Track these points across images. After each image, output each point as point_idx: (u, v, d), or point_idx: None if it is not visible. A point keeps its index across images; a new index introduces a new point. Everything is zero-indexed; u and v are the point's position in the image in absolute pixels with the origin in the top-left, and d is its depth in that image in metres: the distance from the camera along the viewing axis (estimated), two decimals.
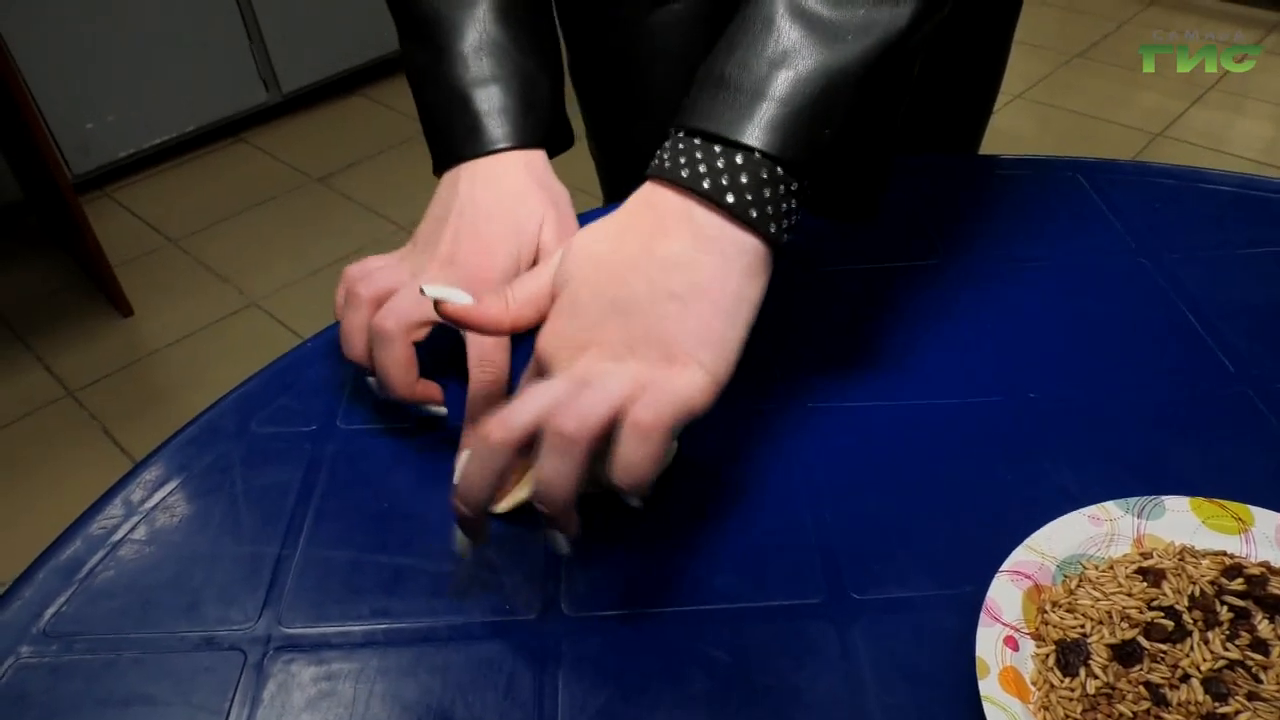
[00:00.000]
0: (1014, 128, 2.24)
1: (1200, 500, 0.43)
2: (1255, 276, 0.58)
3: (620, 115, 0.74)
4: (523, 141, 0.53)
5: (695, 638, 0.40)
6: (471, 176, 0.52)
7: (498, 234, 0.51)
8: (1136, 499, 0.43)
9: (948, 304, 0.57)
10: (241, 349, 1.74)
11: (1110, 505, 0.43)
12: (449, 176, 0.53)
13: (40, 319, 1.83)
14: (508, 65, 0.53)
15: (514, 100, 0.53)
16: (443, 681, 0.39)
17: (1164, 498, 0.43)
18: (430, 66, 0.54)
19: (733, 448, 0.49)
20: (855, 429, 0.50)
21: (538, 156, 0.54)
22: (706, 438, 0.49)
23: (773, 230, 0.40)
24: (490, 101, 0.53)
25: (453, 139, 0.53)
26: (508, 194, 0.52)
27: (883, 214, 0.65)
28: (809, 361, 0.54)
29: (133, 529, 0.46)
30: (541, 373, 0.41)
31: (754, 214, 0.40)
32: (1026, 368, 0.53)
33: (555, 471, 0.37)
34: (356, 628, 0.42)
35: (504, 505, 0.45)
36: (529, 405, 0.38)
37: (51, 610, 0.43)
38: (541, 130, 0.54)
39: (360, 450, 0.50)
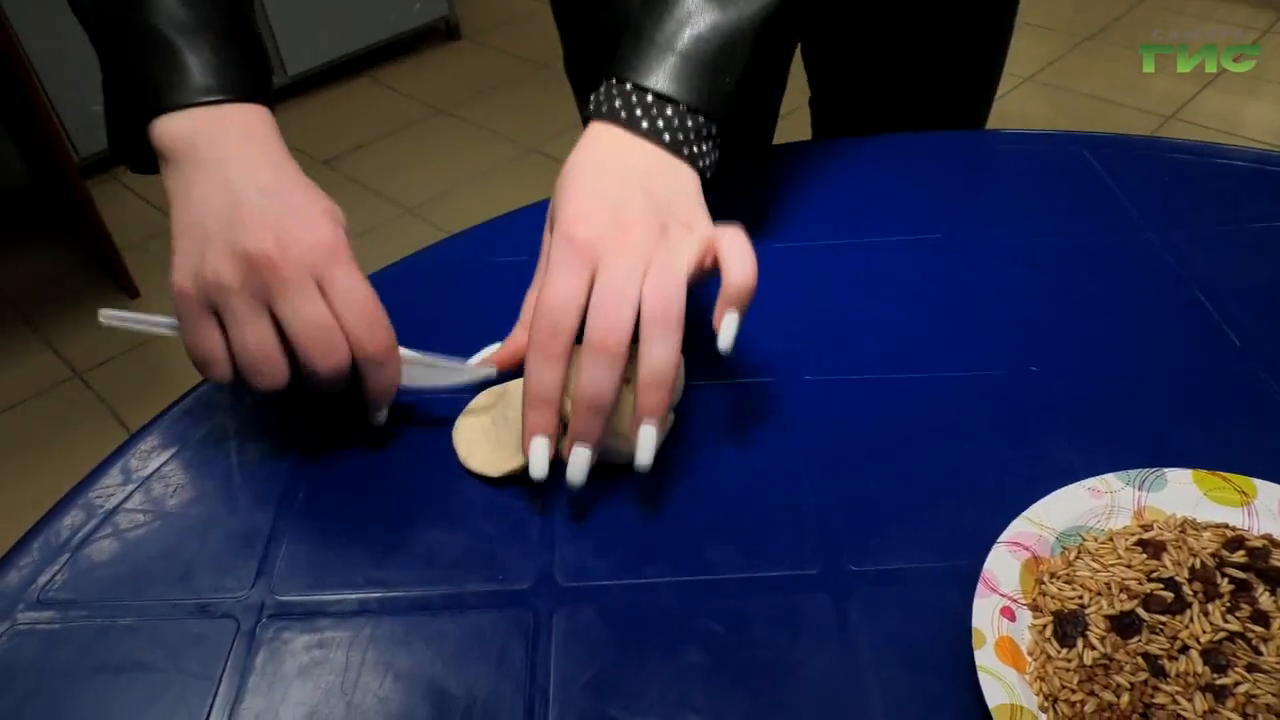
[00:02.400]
0: (1024, 111, 2.22)
1: (1203, 472, 0.42)
2: (1265, 253, 0.57)
3: None
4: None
5: (690, 609, 0.40)
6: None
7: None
8: (1137, 471, 0.42)
9: (950, 278, 0.57)
10: None
11: (1110, 477, 0.42)
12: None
13: (47, 302, 1.83)
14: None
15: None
16: (435, 651, 0.39)
17: (1165, 470, 0.42)
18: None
19: (729, 419, 0.49)
20: (854, 402, 0.49)
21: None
22: (703, 409, 0.49)
23: (700, 166, 0.47)
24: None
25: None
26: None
27: (889, 188, 0.64)
28: (807, 334, 0.53)
29: (128, 498, 0.46)
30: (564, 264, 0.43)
31: (681, 148, 0.46)
32: (1030, 342, 0.52)
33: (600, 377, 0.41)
34: (350, 596, 0.41)
35: (498, 471, 0.45)
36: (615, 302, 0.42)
37: (46, 578, 0.43)
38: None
39: (355, 421, 0.49)
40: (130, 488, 0.47)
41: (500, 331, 0.50)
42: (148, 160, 0.47)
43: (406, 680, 0.38)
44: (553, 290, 0.42)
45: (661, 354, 0.42)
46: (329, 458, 0.48)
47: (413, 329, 0.47)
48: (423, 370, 0.48)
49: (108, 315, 0.45)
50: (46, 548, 0.44)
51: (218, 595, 0.42)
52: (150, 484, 0.47)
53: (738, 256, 0.43)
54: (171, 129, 0.44)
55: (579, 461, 0.43)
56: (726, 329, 0.43)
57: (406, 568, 0.42)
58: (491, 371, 0.49)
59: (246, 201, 0.43)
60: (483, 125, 2.33)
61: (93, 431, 1.55)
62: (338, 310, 0.43)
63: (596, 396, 0.41)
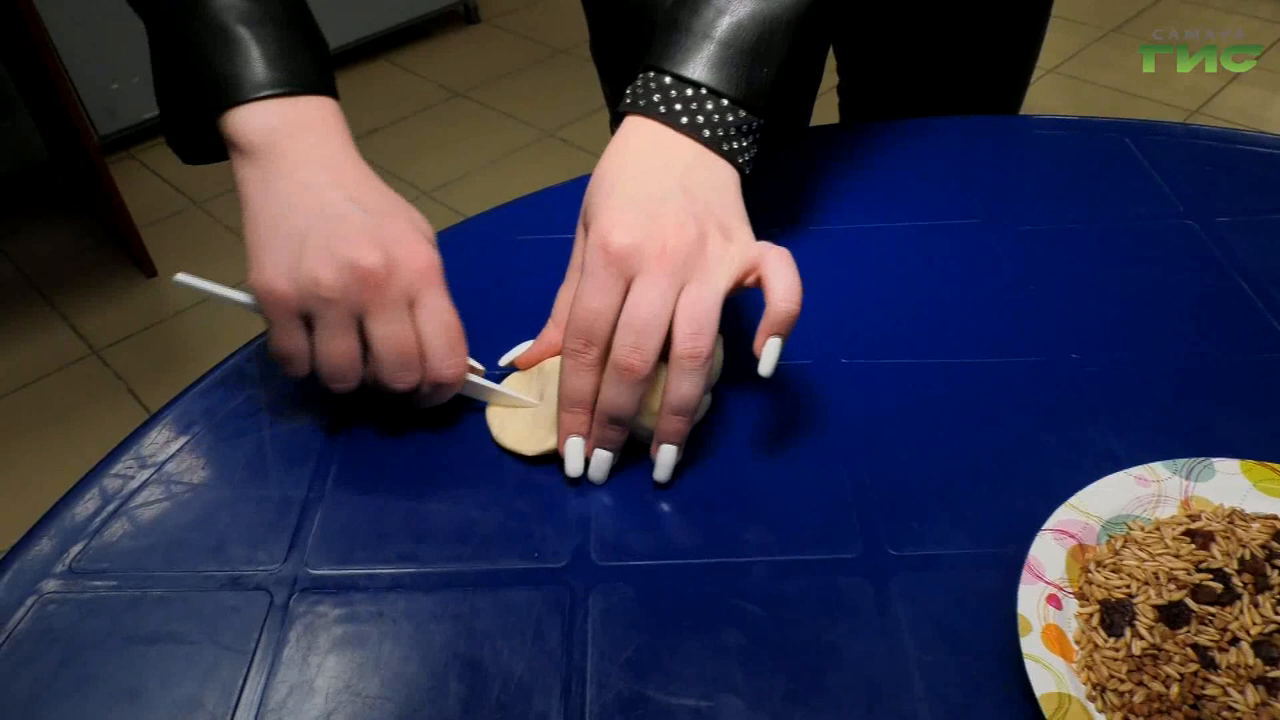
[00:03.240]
0: (1047, 102, 2.19)
1: (1252, 463, 0.42)
2: None
3: None
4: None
5: (727, 590, 0.40)
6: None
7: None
8: (1185, 460, 0.42)
9: (989, 263, 0.56)
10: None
11: (1157, 466, 0.42)
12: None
13: (65, 279, 1.84)
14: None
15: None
16: (470, 628, 0.39)
17: (1214, 460, 0.42)
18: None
19: (765, 400, 0.48)
20: (891, 386, 0.49)
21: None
22: (740, 390, 0.48)
23: (739, 162, 0.46)
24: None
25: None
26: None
27: (926, 172, 0.63)
28: (843, 318, 0.53)
29: (160, 469, 0.46)
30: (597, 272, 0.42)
31: (720, 144, 0.45)
32: (1069, 329, 0.51)
33: (622, 393, 0.42)
34: (383, 571, 0.41)
35: (532, 450, 0.45)
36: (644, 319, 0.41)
37: (77, 547, 0.43)
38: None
39: (387, 397, 0.49)
40: (162, 459, 0.46)
41: (524, 308, 0.50)
42: (205, 152, 0.47)
43: (442, 657, 0.38)
44: (586, 302, 0.42)
45: (688, 389, 0.41)
46: (361, 431, 0.48)
47: None
48: (474, 385, 0.47)
49: (183, 278, 0.45)
50: (77, 517, 0.44)
51: (250, 568, 0.41)
52: (182, 455, 0.47)
53: (783, 281, 0.42)
54: (245, 122, 0.44)
55: (600, 464, 0.44)
56: (768, 355, 0.42)
57: (440, 543, 0.42)
58: (534, 401, 0.48)
59: (343, 210, 0.43)
60: (500, 109, 2.32)
61: (109, 409, 1.55)
62: (423, 333, 0.44)
63: (617, 410, 0.42)
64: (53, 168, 2.10)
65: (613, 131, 0.79)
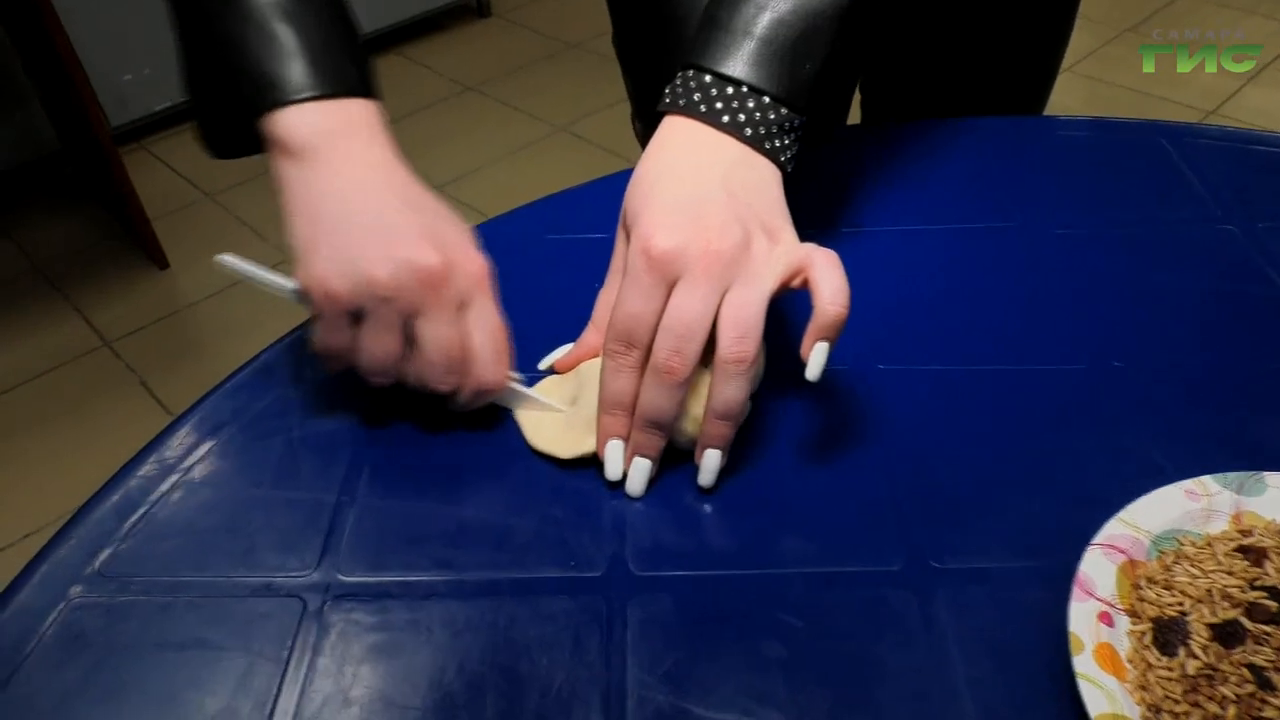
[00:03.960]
0: (1062, 103, 2.17)
1: None
2: None
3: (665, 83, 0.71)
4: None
5: (767, 602, 0.39)
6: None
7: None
8: (1235, 474, 0.41)
9: (1025, 268, 0.55)
10: (276, 304, 1.74)
11: (1207, 480, 0.41)
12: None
13: (77, 270, 1.83)
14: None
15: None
16: (506, 638, 0.38)
17: (1265, 474, 0.41)
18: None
19: (804, 406, 0.47)
20: (928, 393, 0.48)
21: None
22: (778, 395, 0.47)
23: (781, 160, 0.45)
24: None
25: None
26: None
27: (959, 174, 0.63)
28: (879, 322, 0.52)
29: (188, 472, 0.45)
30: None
31: (763, 142, 0.45)
32: (1111, 336, 0.50)
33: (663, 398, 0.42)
34: (418, 579, 0.40)
35: (568, 453, 0.44)
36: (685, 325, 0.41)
37: (106, 551, 0.42)
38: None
39: (422, 397, 0.48)
40: (190, 461, 0.46)
41: (555, 306, 0.50)
42: (240, 146, 0.47)
43: (479, 667, 0.37)
44: (627, 305, 0.41)
45: (733, 393, 0.41)
46: (393, 433, 0.47)
47: None
48: (511, 393, 0.47)
49: (226, 259, 0.44)
50: (105, 521, 0.43)
51: (282, 574, 0.41)
52: (210, 457, 0.46)
53: (831, 284, 0.41)
54: (292, 123, 0.43)
55: (638, 474, 0.43)
56: (815, 359, 0.41)
57: (474, 550, 0.41)
58: (563, 408, 0.47)
59: (398, 210, 0.43)
60: (512, 104, 2.31)
61: (121, 401, 1.54)
62: (473, 338, 0.43)
63: (657, 413, 0.42)
64: (64, 159, 2.10)
65: (634, 126, 0.78)
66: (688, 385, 0.41)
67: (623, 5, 0.71)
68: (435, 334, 0.42)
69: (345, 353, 0.44)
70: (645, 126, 0.74)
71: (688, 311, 0.40)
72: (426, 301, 0.42)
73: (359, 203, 0.43)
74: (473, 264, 0.43)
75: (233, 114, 0.45)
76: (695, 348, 0.41)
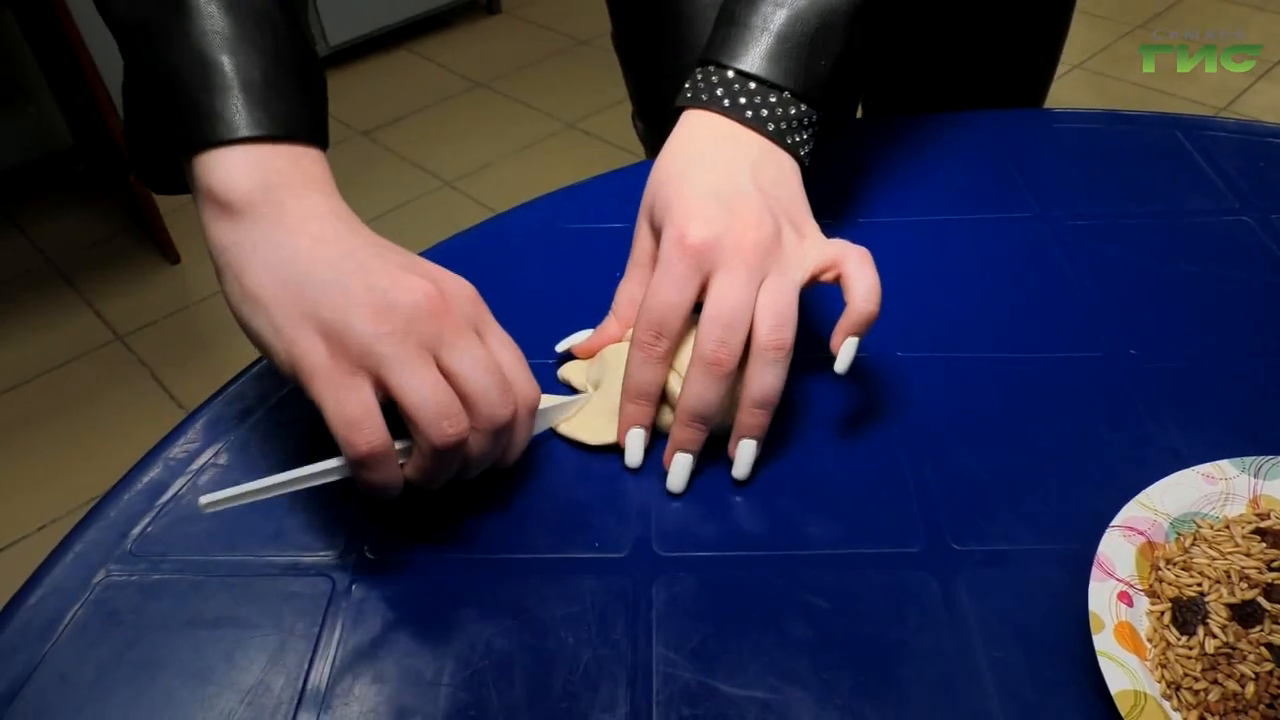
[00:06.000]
0: (1071, 99, 2.18)
1: None
2: None
3: (666, 81, 0.71)
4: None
5: (791, 583, 0.39)
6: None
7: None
8: (1253, 458, 0.41)
9: (1041, 257, 0.55)
10: None
11: (1225, 464, 0.41)
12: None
13: (89, 265, 1.84)
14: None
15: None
16: (533, 617, 0.39)
17: None
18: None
19: (825, 392, 0.48)
20: (947, 379, 0.48)
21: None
22: (800, 382, 0.48)
23: (801, 155, 0.46)
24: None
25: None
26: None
27: (974, 165, 0.63)
28: (898, 309, 0.52)
29: (217, 454, 0.46)
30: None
31: (784, 137, 0.45)
32: (1127, 325, 0.51)
33: (706, 387, 0.41)
34: (444, 559, 0.41)
35: (593, 440, 0.45)
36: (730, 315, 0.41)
37: (137, 530, 0.43)
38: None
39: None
40: (219, 444, 0.46)
41: (571, 297, 0.50)
42: (179, 184, 0.42)
43: (507, 645, 0.38)
44: (661, 294, 0.41)
45: (771, 381, 0.41)
46: None
47: (491, 292, 0.46)
48: (541, 412, 0.44)
49: (210, 499, 0.37)
50: (136, 501, 0.44)
51: (311, 554, 0.41)
52: (239, 439, 0.47)
53: (865, 282, 0.42)
54: (228, 173, 0.38)
55: (680, 470, 0.43)
56: (845, 353, 0.42)
57: (500, 531, 0.42)
58: (578, 401, 0.46)
59: (373, 251, 0.38)
60: (521, 100, 2.31)
61: (133, 394, 1.55)
62: (503, 360, 0.40)
63: (703, 409, 0.42)
64: (77, 154, 2.11)
65: (634, 125, 0.78)
66: (733, 378, 0.41)
67: (622, 5, 0.71)
68: (471, 357, 0.38)
69: (375, 419, 0.36)
70: (647, 125, 0.75)
71: (731, 301, 0.41)
72: (443, 328, 0.37)
73: (326, 255, 0.37)
74: (465, 288, 0.40)
75: (162, 150, 0.41)
76: (740, 338, 0.41)
